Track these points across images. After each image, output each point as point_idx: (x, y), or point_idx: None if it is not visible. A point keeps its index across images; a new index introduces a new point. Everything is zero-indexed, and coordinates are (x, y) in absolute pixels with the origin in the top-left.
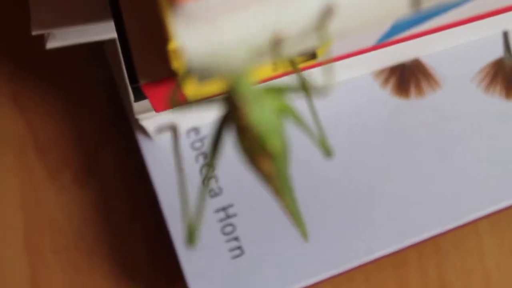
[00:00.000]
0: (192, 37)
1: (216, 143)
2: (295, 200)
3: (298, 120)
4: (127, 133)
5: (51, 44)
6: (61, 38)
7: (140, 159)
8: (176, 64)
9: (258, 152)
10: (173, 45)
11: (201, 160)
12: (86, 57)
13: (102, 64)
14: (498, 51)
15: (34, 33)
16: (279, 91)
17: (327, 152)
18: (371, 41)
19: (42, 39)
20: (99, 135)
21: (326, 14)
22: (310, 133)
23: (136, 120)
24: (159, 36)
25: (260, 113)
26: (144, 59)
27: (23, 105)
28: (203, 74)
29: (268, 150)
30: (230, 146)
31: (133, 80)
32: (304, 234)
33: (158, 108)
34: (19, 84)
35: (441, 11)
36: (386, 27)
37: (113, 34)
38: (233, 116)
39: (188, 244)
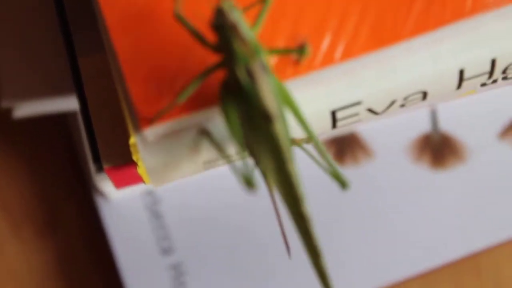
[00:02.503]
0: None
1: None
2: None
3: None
4: (88, 188)
5: (18, 114)
6: (28, 108)
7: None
8: (136, 157)
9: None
10: (133, 139)
11: (154, 221)
12: (48, 118)
13: (63, 121)
14: (426, 126)
15: (3, 106)
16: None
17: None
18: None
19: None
20: (61, 190)
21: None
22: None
23: (96, 185)
24: (121, 126)
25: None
26: (108, 146)
27: None
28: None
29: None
30: (189, 208)
31: (97, 160)
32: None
33: (118, 186)
34: None
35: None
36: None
37: (77, 106)
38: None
39: (250, 188)
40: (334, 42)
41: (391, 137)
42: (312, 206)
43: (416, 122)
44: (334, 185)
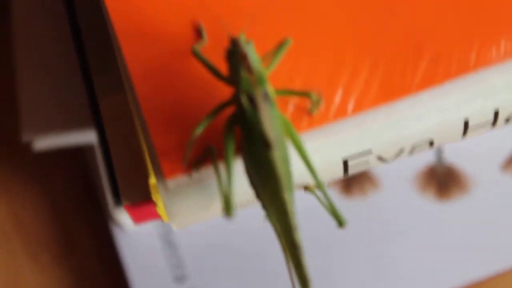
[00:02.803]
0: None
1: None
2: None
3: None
4: (104, 217)
5: (38, 147)
6: (47, 141)
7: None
8: (156, 197)
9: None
10: (153, 180)
11: (167, 250)
12: (65, 149)
13: (80, 153)
14: (432, 158)
15: (24, 139)
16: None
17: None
18: None
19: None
20: (78, 218)
21: None
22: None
23: (113, 217)
24: (141, 163)
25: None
26: (128, 184)
27: (5, 191)
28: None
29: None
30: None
31: (116, 195)
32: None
33: (137, 221)
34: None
35: None
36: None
37: (94, 139)
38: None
39: (227, 214)
40: (346, 95)
41: (397, 169)
42: (320, 236)
43: (422, 155)
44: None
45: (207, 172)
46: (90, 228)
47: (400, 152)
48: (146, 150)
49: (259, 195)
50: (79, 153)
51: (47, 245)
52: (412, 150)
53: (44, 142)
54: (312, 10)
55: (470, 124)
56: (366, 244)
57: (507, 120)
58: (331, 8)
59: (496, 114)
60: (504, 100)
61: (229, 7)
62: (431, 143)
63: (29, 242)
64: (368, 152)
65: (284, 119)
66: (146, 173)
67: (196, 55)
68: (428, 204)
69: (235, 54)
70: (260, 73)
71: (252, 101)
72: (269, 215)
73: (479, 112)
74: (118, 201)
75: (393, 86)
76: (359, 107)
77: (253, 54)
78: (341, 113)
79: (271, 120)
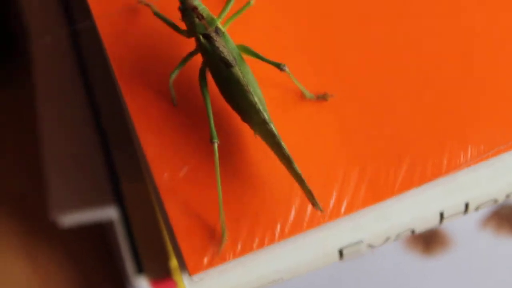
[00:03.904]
0: None
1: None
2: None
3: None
4: (125, 284)
5: (65, 223)
6: (73, 219)
7: None
8: (177, 278)
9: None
10: (174, 263)
11: None
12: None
13: (100, 226)
14: None
15: (52, 218)
16: None
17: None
18: None
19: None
20: (101, 284)
21: None
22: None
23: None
24: (163, 242)
25: None
26: (150, 261)
27: (34, 259)
28: None
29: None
30: None
31: (138, 269)
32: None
33: None
34: (29, 239)
35: None
36: None
37: (115, 215)
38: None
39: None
40: (339, 200)
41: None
42: None
43: None
44: (332, 273)
45: (230, 265)
46: None
47: (387, 239)
48: (171, 244)
49: (235, 107)
50: (100, 225)
51: None
52: (397, 237)
53: (69, 221)
54: (309, 129)
55: (445, 215)
56: None
57: (477, 209)
58: (326, 127)
59: (467, 205)
60: (472, 194)
61: None
62: (413, 231)
63: None
64: (360, 242)
65: (242, 45)
66: (167, 251)
67: (157, 14)
68: (415, 261)
69: (187, 10)
70: (209, 17)
71: (207, 37)
72: (246, 120)
73: (452, 205)
74: (139, 272)
75: (379, 190)
76: (350, 209)
77: (201, 5)
78: (336, 215)
79: (226, 47)
